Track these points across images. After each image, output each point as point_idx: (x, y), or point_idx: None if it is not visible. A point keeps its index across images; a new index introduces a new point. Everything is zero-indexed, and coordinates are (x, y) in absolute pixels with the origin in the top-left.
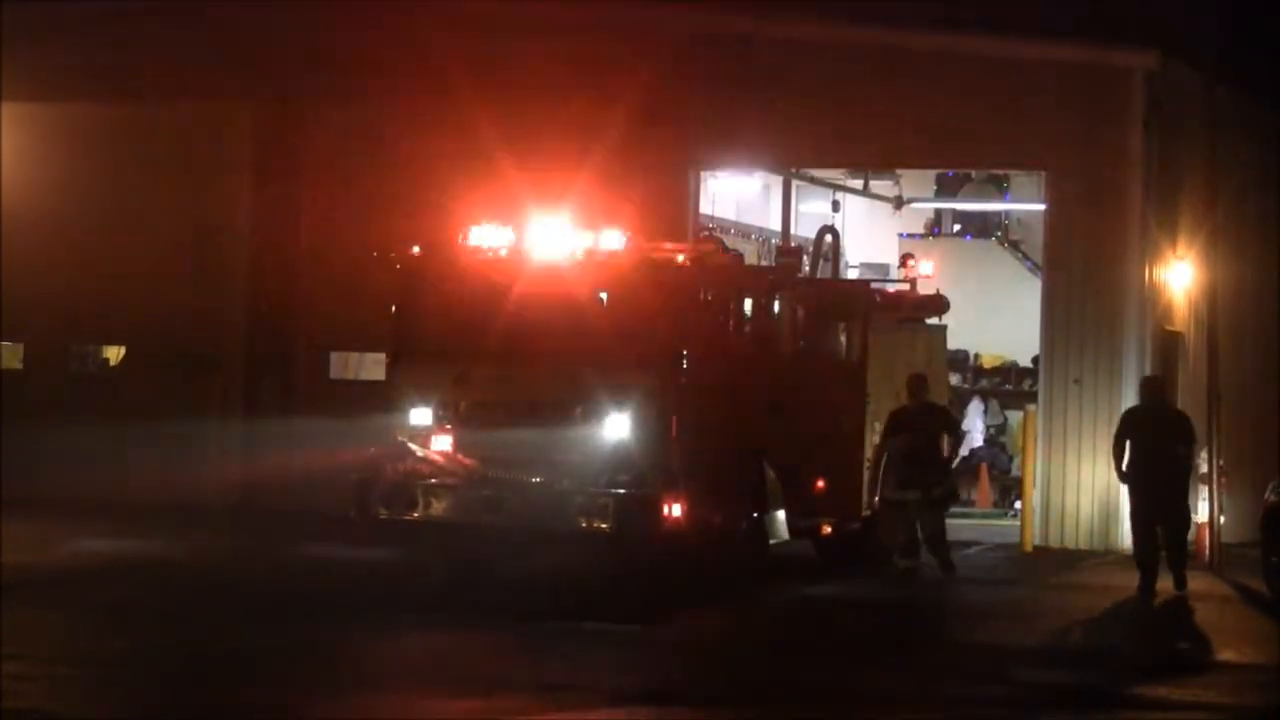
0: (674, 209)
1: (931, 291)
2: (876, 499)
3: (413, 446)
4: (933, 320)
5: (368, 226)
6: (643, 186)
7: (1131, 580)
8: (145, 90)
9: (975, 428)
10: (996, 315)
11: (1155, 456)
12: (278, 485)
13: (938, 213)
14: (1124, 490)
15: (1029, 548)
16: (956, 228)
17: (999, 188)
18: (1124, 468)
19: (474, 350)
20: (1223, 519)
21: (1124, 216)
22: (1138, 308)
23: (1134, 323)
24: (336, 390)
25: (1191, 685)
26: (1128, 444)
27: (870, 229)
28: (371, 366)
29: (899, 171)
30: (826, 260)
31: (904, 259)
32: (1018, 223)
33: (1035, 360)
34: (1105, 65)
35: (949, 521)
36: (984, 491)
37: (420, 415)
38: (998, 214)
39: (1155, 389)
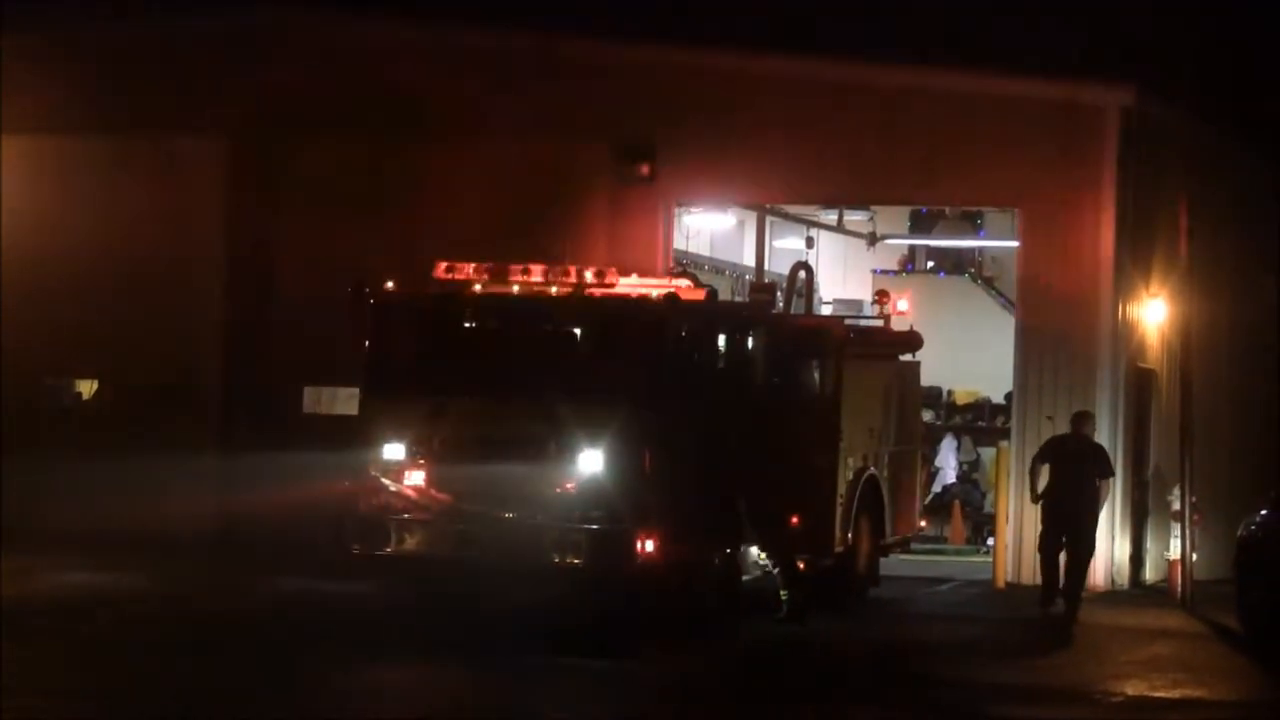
0: (649, 244)
1: (905, 328)
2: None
3: (386, 481)
4: (906, 356)
5: (342, 261)
6: (618, 222)
7: (1105, 618)
8: (119, 123)
9: (948, 464)
10: (970, 352)
11: (1073, 487)
12: (252, 519)
13: (912, 249)
14: (1098, 525)
15: (1002, 584)
16: (930, 264)
17: (973, 224)
18: (1040, 492)
19: (448, 385)
20: (1195, 556)
21: (1098, 253)
22: (1111, 344)
23: (1107, 360)
24: (310, 425)
25: None
26: (1046, 471)
27: (844, 265)
28: (345, 401)
29: (873, 208)
30: (800, 296)
31: (878, 295)
32: (991, 259)
33: (1008, 397)
34: (1079, 101)
35: (922, 558)
36: (957, 528)
37: (394, 450)
38: (971, 250)
39: (1085, 423)
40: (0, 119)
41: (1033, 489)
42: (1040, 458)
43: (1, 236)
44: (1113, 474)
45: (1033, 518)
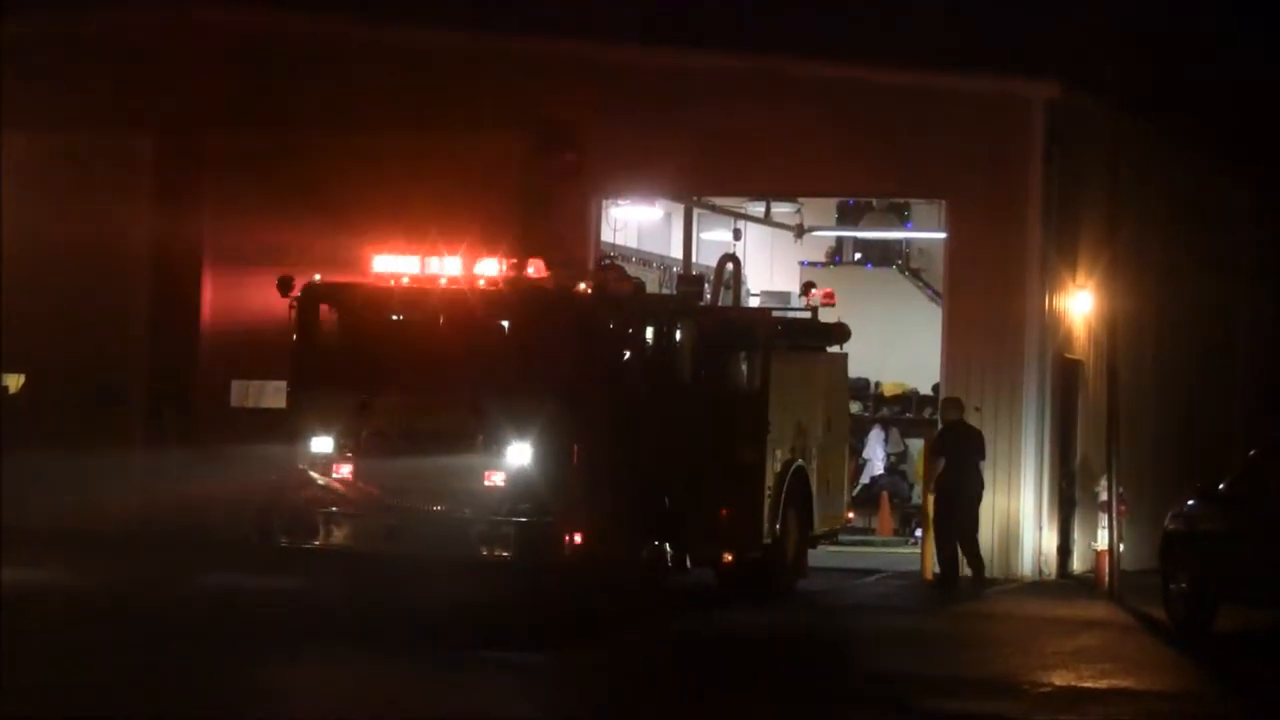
0: (576, 237)
1: (832, 320)
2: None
3: (314, 475)
4: (834, 348)
5: (270, 255)
6: (545, 215)
7: (1032, 609)
8: (47, 118)
9: (876, 456)
10: (897, 343)
11: (962, 470)
12: (179, 513)
13: (839, 241)
14: (1025, 516)
15: (929, 576)
16: (858, 256)
17: (900, 216)
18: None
19: (375, 379)
20: (1122, 547)
21: (1024, 245)
22: (1038, 336)
23: (1034, 351)
24: (238, 418)
25: (1093, 713)
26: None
27: (772, 257)
28: (273, 394)
29: (800, 200)
30: (728, 288)
31: (805, 287)
32: (919, 251)
33: (936, 388)
34: (1006, 95)
35: (850, 549)
36: (885, 520)
37: (321, 443)
38: (899, 242)
39: (961, 408)
40: (1, 115)
41: (931, 478)
42: (938, 450)
43: (2, 229)
44: (984, 456)
45: None
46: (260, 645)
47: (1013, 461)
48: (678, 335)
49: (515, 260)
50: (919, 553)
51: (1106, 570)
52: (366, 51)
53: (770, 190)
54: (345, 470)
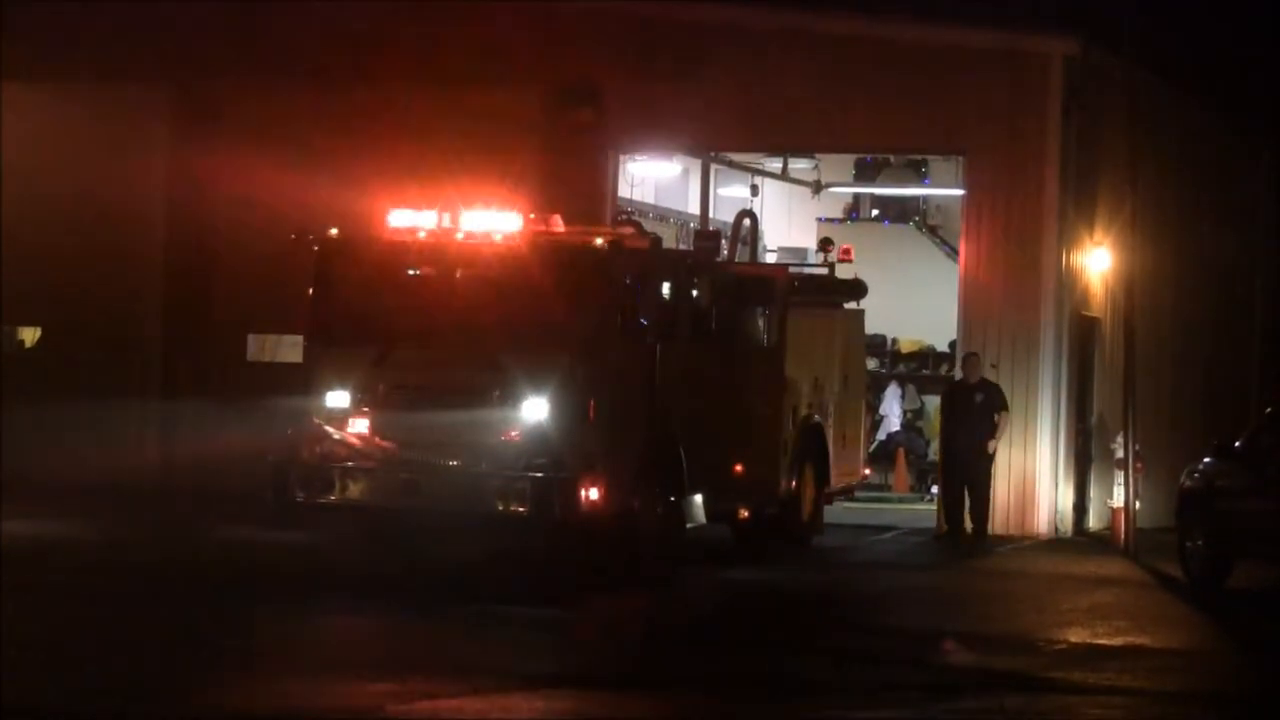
0: (593, 192)
1: (850, 276)
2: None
3: (330, 429)
4: (851, 305)
5: (286, 207)
6: (562, 169)
7: (1048, 566)
8: (63, 71)
9: (893, 412)
10: (914, 300)
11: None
12: (194, 467)
13: (856, 197)
14: (1041, 473)
15: (944, 532)
16: (875, 212)
17: (918, 173)
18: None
19: (391, 333)
20: (1138, 504)
21: (1042, 202)
22: (1055, 293)
23: (1051, 308)
24: (254, 372)
25: (1109, 669)
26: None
27: (789, 213)
28: (289, 349)
29: (818, 156)
30: (745, 244)
31: (822, 243)
32: (936, 208)
33: (953, 345)
34: (1024, 50)
35: (866, 505)
36: (901, 476)
37: (337, 398)
38: (916, 199)
39: (978, 364)
40: (1, 63)
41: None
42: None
43: (2, 181)
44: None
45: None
46: (275, 600)
47: (1029, 418)
48: (694, 291)
49: (532, 215)
50: (935, 509)
51: (1122, 527)
52: (381, 3)
53: (788, 146)
54: (361, 425)
